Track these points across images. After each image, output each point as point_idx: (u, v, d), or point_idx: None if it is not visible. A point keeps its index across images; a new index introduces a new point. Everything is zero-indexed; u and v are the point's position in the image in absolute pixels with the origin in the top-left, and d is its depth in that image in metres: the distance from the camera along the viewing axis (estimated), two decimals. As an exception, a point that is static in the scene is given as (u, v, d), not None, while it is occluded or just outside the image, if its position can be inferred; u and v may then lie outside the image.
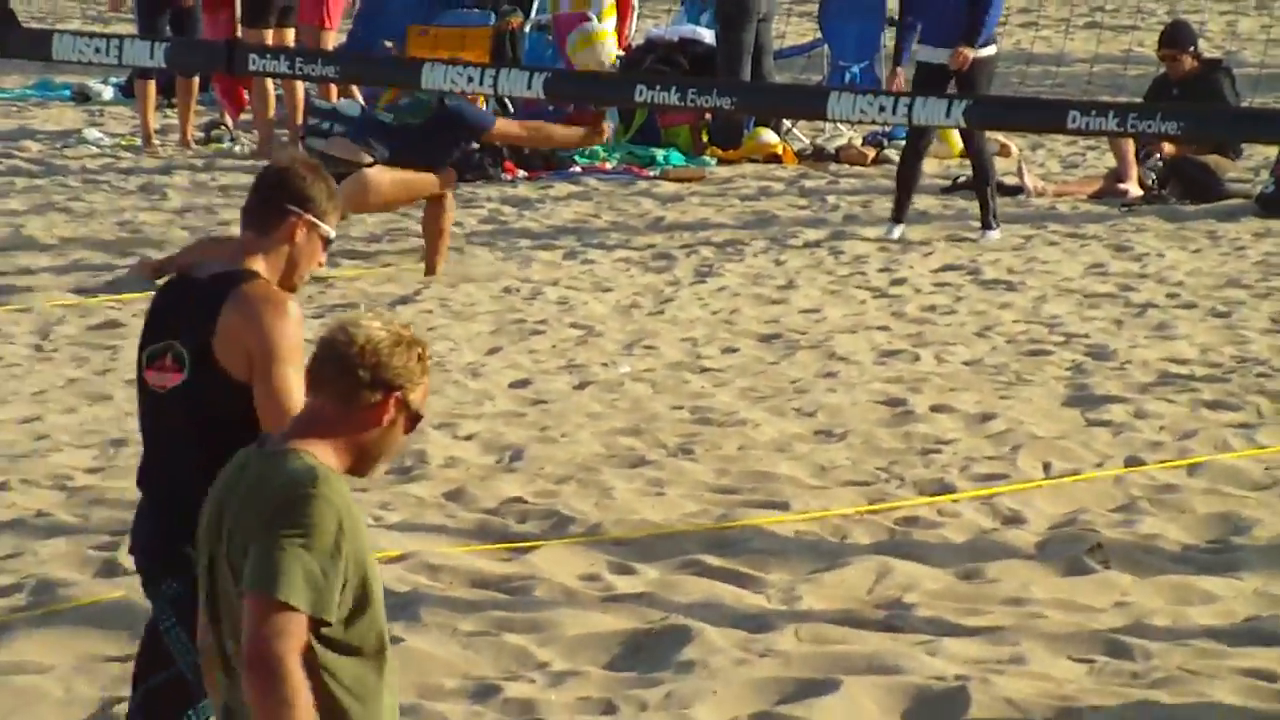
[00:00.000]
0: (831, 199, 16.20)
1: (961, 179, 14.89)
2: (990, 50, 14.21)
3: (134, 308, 12.93)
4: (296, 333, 5.17)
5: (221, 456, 4.27)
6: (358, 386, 3.78)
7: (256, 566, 3.67)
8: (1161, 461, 9.25)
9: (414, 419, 3.95)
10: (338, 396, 3.83)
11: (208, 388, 5.10)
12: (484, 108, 16.05)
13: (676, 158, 17.92)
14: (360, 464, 3.94)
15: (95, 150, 17.56)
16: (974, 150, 14.42)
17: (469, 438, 11.27)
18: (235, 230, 14.05)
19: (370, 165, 14.71)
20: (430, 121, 14.36)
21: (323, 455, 3.82)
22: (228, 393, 5.09)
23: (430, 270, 14.74)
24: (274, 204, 5.38)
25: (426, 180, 14.50)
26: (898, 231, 14.23)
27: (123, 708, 6.70)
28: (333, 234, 5.57)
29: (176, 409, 5.39)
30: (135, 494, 8.71)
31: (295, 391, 4.95)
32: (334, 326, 3.96)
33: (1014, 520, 8.43)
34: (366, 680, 3.88)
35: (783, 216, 15.64)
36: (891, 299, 12.79)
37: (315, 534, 3.67)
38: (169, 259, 13.30)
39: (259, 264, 5.28)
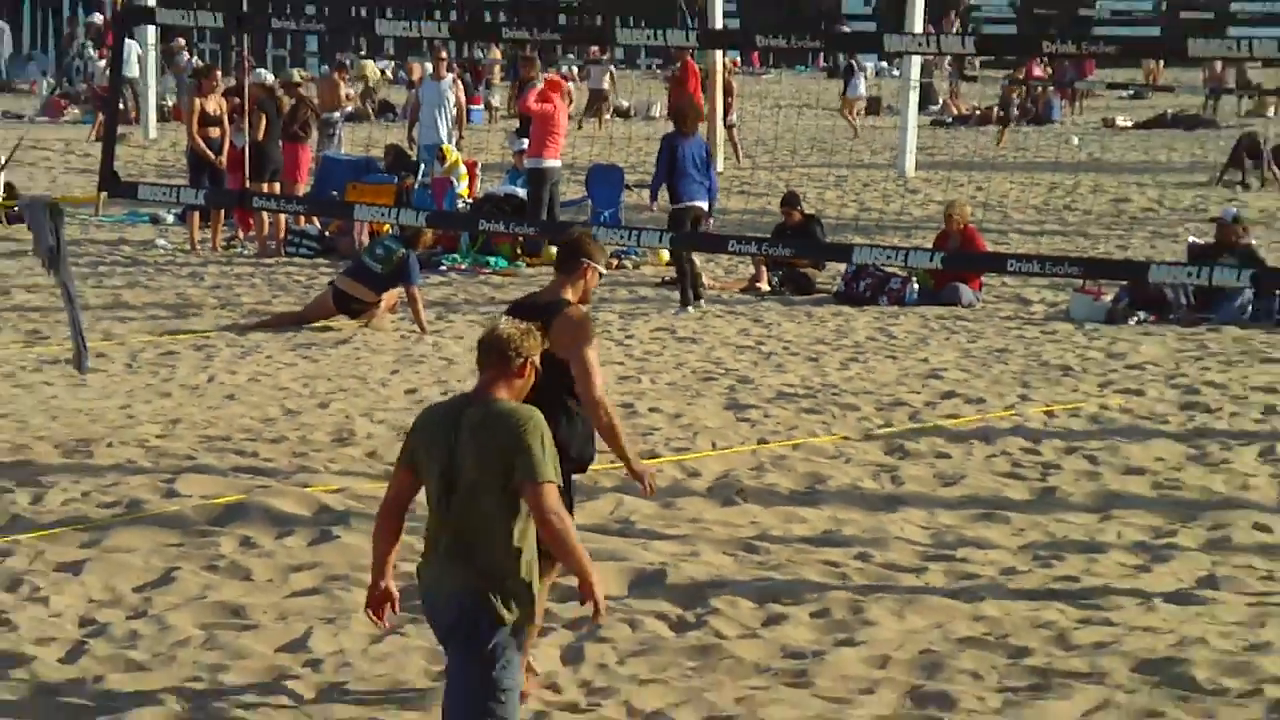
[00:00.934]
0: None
1: (667, 278, 14.24)
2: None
3: (185, 343, 12.77)
4: (591, 331, 5.90)
5: (548, 400, 4.95)
6: (510, 362, 4.23)
7: (528, 466, 3.99)
8: (779, 442, 9.01)
9: (535, 368, 4.35)
10: (502, 370, 4.27)
11: (546, 364, 5.25)
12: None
13: (502, 262, 16.41)
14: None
15: (162, 252, 16.77)
16: (679, 260, 13.89)
17: (381, 422, 10.17)
18: (246, 298, 13.70)
19: (378, 301, 13.60)
20: (394, 269, 13.29)
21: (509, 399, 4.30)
22: (555, 366, 5.57)
23: (422, 329, 13.35)
24: (575, 258, 5.99)
25: (391, 298, 13.32)
26: (690, 310, 13.56)
27: (179, 574, 6.77)
28: (604, 271, 6.12)
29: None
30: (187, 449, 8.84)
31: (595, 363, 5.77)
32: (488, 331, 4.42)
33: (694, 474, 8.27)
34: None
35: (565, 298, 14.47)
36: (625, 345, 12.19)
37: (546, 442, 4.03)
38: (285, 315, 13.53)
39: (568, 293, 5.89)
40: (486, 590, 4.00)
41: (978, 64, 31.34)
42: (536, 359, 4.50)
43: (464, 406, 4.38)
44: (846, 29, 33.60)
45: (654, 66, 36.52)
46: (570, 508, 5.22)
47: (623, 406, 9.84)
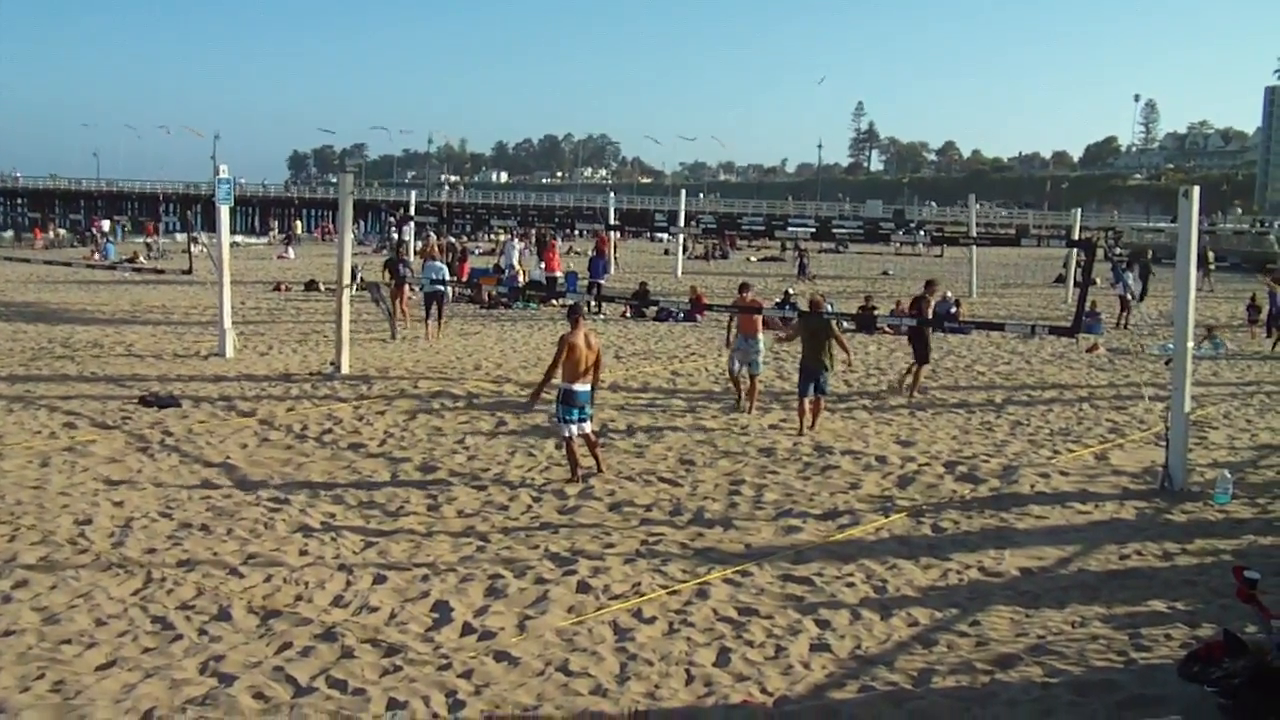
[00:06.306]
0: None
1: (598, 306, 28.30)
2: None
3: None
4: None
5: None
6: (819, 307, 14.03)
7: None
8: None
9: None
10: (815, 309, 13.91)
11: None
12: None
13: (532, 305, 26.45)
14: None
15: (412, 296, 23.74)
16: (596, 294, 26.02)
17: (487, 360, 20.46)
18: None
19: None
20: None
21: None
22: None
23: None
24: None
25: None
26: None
27: (433, 406, 16.89)
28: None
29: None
30: (440, 368, 18.85)
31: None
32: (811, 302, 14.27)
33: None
34: None
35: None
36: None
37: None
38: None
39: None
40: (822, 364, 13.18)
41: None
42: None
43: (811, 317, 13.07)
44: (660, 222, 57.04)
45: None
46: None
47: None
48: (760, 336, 15.05)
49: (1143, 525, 9.80)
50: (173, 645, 6.86)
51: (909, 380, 16.37)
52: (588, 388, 11.01)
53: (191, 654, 6.73)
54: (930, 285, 17.25)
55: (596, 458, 11.42)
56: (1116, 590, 8.03)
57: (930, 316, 16.70)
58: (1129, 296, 25.91)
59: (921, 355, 16.37)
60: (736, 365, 15.07)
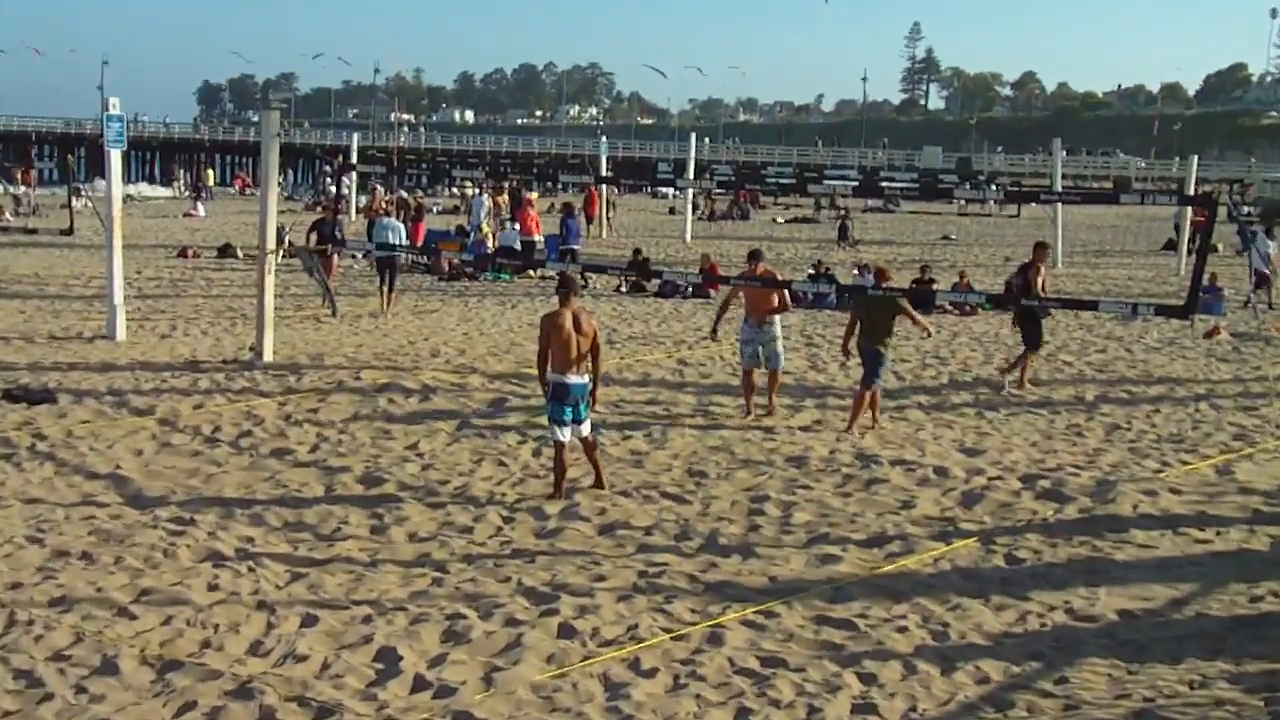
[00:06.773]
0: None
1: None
2: None
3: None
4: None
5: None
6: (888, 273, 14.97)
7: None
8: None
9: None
10: (885, 276, 16.02)
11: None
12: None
13: (504, 276, 26.51)
14: None
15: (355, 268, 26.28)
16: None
17: (446, 345, 21.38)
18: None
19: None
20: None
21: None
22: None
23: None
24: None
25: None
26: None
27: (370, 410, 18.02)
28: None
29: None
30: (368, 357, 19.21)
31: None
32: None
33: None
34: None
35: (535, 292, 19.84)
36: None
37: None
38: None
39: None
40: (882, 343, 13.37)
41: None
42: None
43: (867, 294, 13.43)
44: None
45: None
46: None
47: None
48: (777, 320, 14.66)
49: (1280, 559, 9.73)
50: (41, 707, 6.60)
51: (1016, 372, 16.50)
52: (584, 380, 10.92)
53: (65, 718, 6.53)
54: (1041, 249, 16.93)
55: (597, 468, 11.40)
56: (1247, 641, 7.81)
57: (1044, 289, 16.47)
58: (1267, 270, 25.31)
59: (1032, 339, 16.39)
60: (750, 358, 14.58)
